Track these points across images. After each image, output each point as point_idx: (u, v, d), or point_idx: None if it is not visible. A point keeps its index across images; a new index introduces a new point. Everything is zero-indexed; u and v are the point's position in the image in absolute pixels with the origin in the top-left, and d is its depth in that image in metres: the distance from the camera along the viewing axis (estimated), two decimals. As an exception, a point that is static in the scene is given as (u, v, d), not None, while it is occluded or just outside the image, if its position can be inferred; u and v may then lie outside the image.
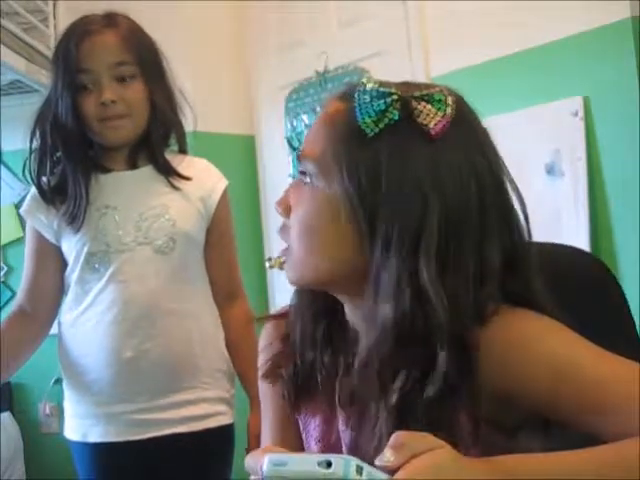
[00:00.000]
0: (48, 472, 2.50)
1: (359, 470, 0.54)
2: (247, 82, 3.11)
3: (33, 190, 1.36)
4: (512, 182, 0.73)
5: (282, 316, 0.86)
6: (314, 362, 0.77)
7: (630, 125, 1.87)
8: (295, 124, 2.93)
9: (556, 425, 0.69)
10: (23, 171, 1.37)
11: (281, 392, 0.83)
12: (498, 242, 0.69)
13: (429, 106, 0.67)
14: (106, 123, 1.28)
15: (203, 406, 1.31)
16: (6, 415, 2.64)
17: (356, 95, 0.68)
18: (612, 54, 1.91)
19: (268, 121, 3.05)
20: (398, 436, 0.55)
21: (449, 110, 0.68)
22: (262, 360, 0.86)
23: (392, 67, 2.56)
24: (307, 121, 2.88)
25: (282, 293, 3.03)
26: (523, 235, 0.72)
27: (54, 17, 2.56)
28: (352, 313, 0.76)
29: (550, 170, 2.02)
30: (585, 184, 1.94)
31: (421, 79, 2.45)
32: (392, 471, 0.54)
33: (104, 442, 1.29)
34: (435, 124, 0.67)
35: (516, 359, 0.67)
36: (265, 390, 0.88)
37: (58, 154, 1.31)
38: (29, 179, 1.34)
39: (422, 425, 0.64)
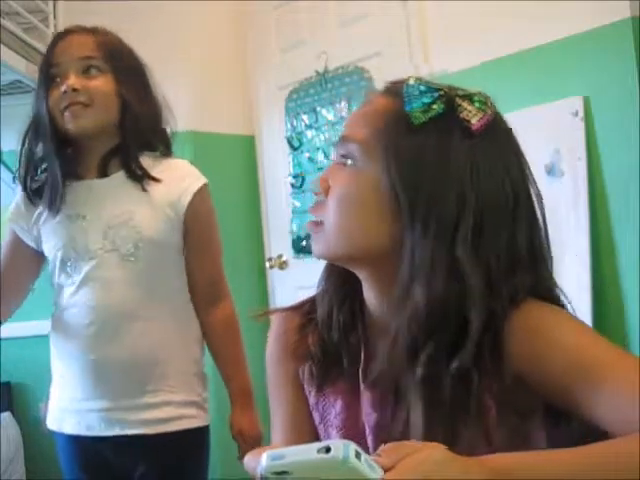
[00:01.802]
0: (48, 472, 2.50)
1: (357, 455, 0.54)
2: (247, 82, 3.11)
3: (16, 198, 1.41)
4: (536, 187, 0.79)
5: (293, 309, 0.89)
6: (339, 344, 0.81)
7: (630, 125, 1.86)
8: (295, 124, 2.93)
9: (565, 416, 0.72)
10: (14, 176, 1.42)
11: (293, 390, 0.85)
12: (525, 238, 0.75)
13: (471, 105, 0.74)
14: (67, 111, 1.30)
15: (168, 409, 1.33)
16: (6, 415, 2.64)
17: (405, 88, 0.74)
18: (612, 54, 1.91)
19: (268, 121, 3.06)
20: (388, 445, 0.57)
21: (489, 111, 0.74)
22: (273, 349, 0.88)
23: (392, 67, 2.56)
24: (307, 121, 2.88)
25: (282, 293, 3.03)
26: (543, 237, 0.78)
27: (54, 17, 2.56)
28: (371, 293, 0.80)
29: (550, 170, 2.02)
30: (585, 184, 1.94)
31: (421, 79, 2.45)
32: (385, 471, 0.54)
33: (75, 435, 1.36)
34: (477, 120, 0.73)
35: (539, 344, 0.70)
36: (276, 390, 0.89)
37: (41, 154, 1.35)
38: (19, 181, 1.39)
39: (448, 402, 0.69)
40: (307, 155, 2.89)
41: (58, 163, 1.32)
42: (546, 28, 2.04)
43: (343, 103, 2.72)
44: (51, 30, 2.53)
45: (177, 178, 1.37)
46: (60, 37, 1.36)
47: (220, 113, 3.03)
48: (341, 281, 0.83)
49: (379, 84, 2.77)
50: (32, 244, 1.39)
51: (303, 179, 2.91)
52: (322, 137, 2.82)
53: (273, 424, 0.89)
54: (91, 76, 1.31)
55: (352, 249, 0.76)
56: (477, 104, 0.74)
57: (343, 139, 0.78)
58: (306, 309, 0.87)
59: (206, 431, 1.40)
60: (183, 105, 2.85)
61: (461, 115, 0.73)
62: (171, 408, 1.33)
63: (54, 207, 1.33)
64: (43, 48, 2.42)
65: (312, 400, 0.84)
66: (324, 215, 0.78)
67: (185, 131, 2.82)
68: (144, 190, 1.33)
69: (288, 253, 2.98)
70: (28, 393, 2.73)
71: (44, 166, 1.33)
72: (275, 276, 3.05)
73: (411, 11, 2.49)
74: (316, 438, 0.84)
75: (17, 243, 1.40)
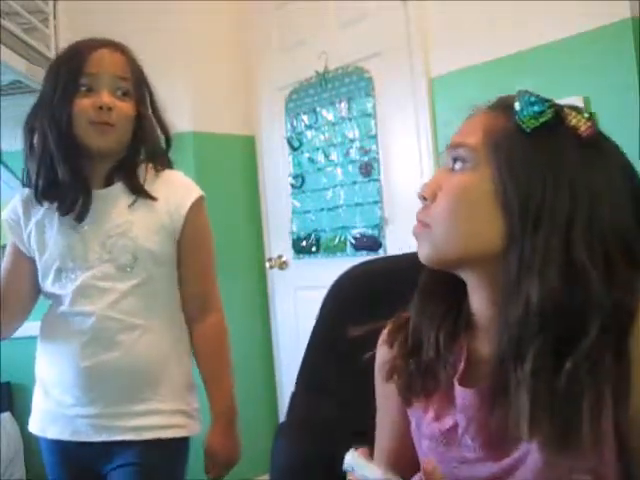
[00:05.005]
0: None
1: None
2: (247, 82, 3.12)
3: (12, 205, 1.41)
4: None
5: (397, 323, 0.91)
6: (435, 360, 0.83)
7: (630, 125, 1.86)
8: (295, 124, 2.93)
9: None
10: (23, 173, 1.39)
11: (395, 399, 0.89)
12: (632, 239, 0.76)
13: (579, 114, 0.77)
14: (95, 126, 1.31)
15: (158, 418, 1.34)
16: (6, 415, 2.65)
17: (517, 98, 0.79)
18: (612, 54, 1.91)
19: (268, 121, 3.06)
20: None
21: (595, 120, 0.77)
22: (377, 363, 0.92)
23: (392, 67, 2.56)
24: (307, 121, 2.88)
25: (282, 293, 3.03)
26: None
27: (54, 17, 2.56)
28: (477, 296, 0.81)
29: (550, 170, 2.02)
30: (585, 184, 1.94)
31: (421, 79, 2.45)
32: None
33: (58, 439, 1.36)
34: (585, 129, 0.76)
35: None
36: (384, 394, 0.92)
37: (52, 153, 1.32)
38: (24, 180, 1.38)
39: (557, 401, 0.69)
40: (307, 155, 2.89)
41: (77, 167, 1.32)
42: (546, 28, 2.04)
43: (343, 103, 2.72)
44: (51, 30, 2.53)
45: (175, 190, 1.39)
46: (93, 47, 1.33)
47: (220, 113, 3.03)
48: (440, 300, 0.85)
49: (379, 84, 2.78)
50: (28, 255, 1.39)
51: (303, 179, 2.91)
52: (322, 137, 2.82)
53: (378, 428, 0.95)
54: (121, 97, 1.33)
55: (462, 252, 0.78)
56: (586, 114, 0.77)
57: (453, 144, 0.81)
58: (394, 327, 0.90)
59: (188, 442, 1.40)
60: (183, 105, 2.86)
61: (571, 123, 0.76)
62: (161, 417, 1.34)
63: (75, 208, 1.32)
64: (43, 48, 2.43)
65: (410, 411, 0.88)
66: (432, 218, 0.79)
67: (185, 131, 2.83)
68: (142, 203, 1.35)
69: (288, 253, 2.99)
70: (28, 393, 2.72)
71: (63, 168, 1.31)
72: (275, 276, 3.05)
73: (411, 11, 2.49)
74: (414, 451, 0.89)
75: (19, 256, 1.40)
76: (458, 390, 0.80)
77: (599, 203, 0.73)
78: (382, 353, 0.91)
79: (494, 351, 0.75)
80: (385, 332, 0.92)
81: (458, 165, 0.79)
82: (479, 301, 0.81)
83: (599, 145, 0.77)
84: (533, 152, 0.75)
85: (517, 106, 0.78)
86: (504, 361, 0.73)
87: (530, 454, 0.73)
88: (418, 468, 0.87)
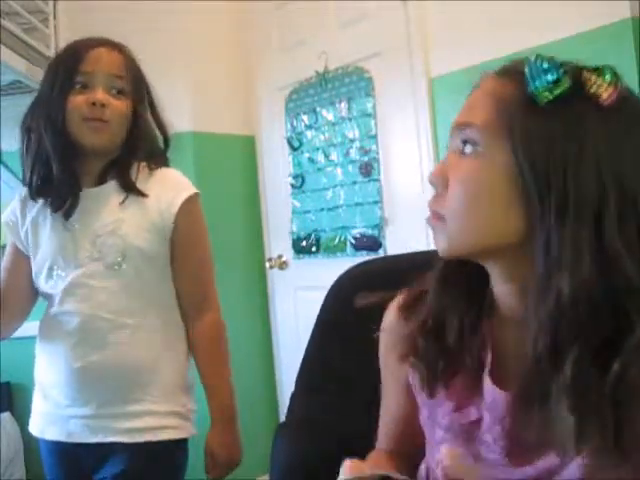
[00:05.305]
0: (48, 472, 2.50)
1: None
2: (247, 82, 3.12)
3: (12, 205, 1.42)
4: None
5: (412, 295, 0.85)
6: (461, 347, 0.77)
7: (630, 125, 1.86)
8: (295, 124, 2.93)
9: None
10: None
11: (405, 382, 0.84)
12: None
13: (601, 78, 0.68)
14: (89, 123, 1.31)
15: (151, 419, 1.33)
16: (6, 415, 2.65)
17: (527, 66, 0.69)
18: (612, 54, 1.91)
19: (268, 121, 3.06)
20: None
21: (620, 82, 0.68)
22: (386, 340, 0.87)
23: (392, 67, 2.56)
24: (307, 121, 2.88)
25: (282, 293, 3.03)
26: None
27: (54, 17, 2.56)
28: (502, 287, 0.75)
29: (550, 170, 2.02)
30: (585, 184, 1.94)
31: (421, 79, 2.45)
32: None
33: (57, 441, 1.36)
34: (608, 95, 0.67)
35: None
36: (393, 375, 0.89)
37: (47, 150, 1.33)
38: (21, 177, 1.39)
39: (605, 407, 0.62)
40: (307, 155, 2.89)
41: (70, 166, 1.33)
42: (546, 28, 2.04)
43: (343, 103, 2.72)
44: (51, 30, 2.53)
45: (167, 188, 1.38)
46: (90, 46, 1.34)
47: (220, 113, 3.03)
48: (459, 292, 0.79)
49: (379, 84, 2.77)
50: (27, 253, 1.39)
51: (303, 179, 2.91)
52: (322, 137, 2.82)
53: (381, 414, 0.92)
54: (116, 95, 1.33)
55: (479, 244, 0.71)
56: (608, 77, 0.68)
57: (459, 125, 0.74)
58: (406, 303, 0.84)
59: (186, 443, 1.40)
60: (183, 105, 2.86)
61: (591, 90, 0.68)
62: (154, 418, 1.33)
63: (65, 207, 1.33)
64: (43, 48, 2.43)
65: (420, 398, 0.83)
66: (446, 210, 0.73)
67: (185, 131, 2.83)
68: (133, 201, 1.34)
69: (288, 253, 2.99)
70: (28, 393, 2.72)
71: (57, 166, 1.32)
72: (275, 276, 3.05)
73: (411, 11, 2.49)
74: (422, 436, 0.84)
75: (18, 256, 1.40)
76: (488, 386, 0.74)
77: (630, 178, 0.65)
78: (398, 327, 0.84)
79: (528, 352, 0.68)
80: (399, 302, 0.85)
81: (468, 148, 0.72)
82: (503, 291, 0.75)
83: (625, 111, 0.68)
84: (550, 125, 0.67)
85: (528, 74, 0.69)
86: (540, 363, 0.66)
87: (569, 468, 0.67)
88: (424, 451, 0.85)
